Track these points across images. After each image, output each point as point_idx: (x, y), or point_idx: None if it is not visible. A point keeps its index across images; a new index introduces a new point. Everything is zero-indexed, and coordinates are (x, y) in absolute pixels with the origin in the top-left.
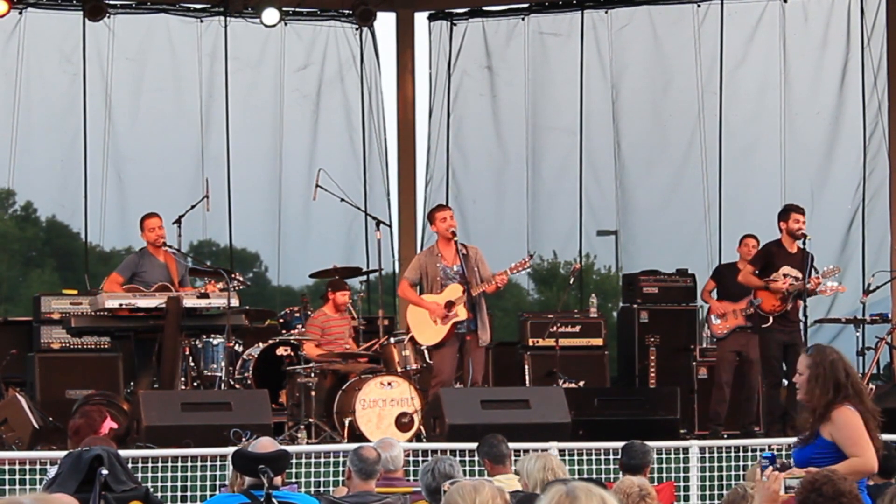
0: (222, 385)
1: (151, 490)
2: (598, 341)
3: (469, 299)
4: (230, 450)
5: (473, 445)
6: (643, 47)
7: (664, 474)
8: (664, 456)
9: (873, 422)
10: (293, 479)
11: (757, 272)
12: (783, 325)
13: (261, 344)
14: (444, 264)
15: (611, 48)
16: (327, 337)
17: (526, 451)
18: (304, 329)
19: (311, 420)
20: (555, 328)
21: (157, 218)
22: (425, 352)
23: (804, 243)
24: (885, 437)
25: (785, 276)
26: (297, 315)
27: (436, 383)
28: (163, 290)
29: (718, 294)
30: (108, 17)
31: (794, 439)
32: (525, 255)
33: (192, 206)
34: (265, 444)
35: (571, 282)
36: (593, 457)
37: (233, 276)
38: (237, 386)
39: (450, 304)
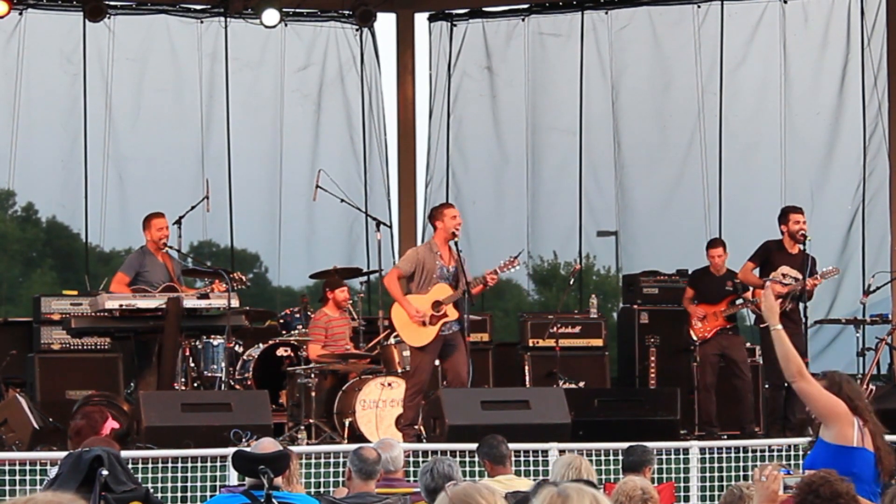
0: (222, 386)
1: (151, 491)
2: (599, 342)
3: (458, 300)
4: (230, 450)
5: (473, 446)
6: (643, 48)
7: (664, 475)
8: (664, 456)
9: (881, 438)
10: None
11: (756, 270)
12: (784, 326)
13: (261, 344)
14: (441, 263)
15: (611, 49)
16: (331, 337)
17: (526, 451)
18: (305, 330)
19: (311, 421)
20: (555, 329)
21: (164, 218)
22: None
23: (804, 243)
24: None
25: (784, 275)
26: (297, 316)
27: (411, 385)
28: (169, 291)
29: (697, 299)
30: (109, 17)
31: (794, 440)
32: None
33: (193, 207)
34: (266, 445)
35: (571, 282)
36: (593, 457)
37: (232, 275)
38: (237, 386)
39: (437, 304)
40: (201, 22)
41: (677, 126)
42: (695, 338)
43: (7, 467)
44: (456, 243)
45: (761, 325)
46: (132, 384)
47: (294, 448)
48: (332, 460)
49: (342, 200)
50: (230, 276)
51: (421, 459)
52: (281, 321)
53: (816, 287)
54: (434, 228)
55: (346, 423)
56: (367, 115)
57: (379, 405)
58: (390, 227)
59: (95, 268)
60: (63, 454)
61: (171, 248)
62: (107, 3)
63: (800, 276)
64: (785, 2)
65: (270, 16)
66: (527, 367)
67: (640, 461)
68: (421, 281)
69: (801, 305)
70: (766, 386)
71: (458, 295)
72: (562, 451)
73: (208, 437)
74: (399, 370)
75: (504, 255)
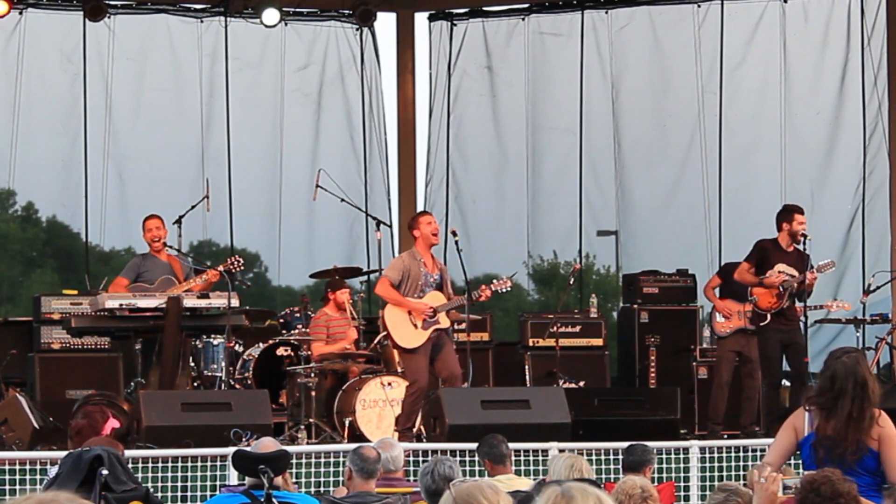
0: (222, 385)
1: (151, 490)
2: (599, 341)
3: (445, 307)
4: (230, 450)
5: (473, 445)
6: (643, 47)
7: (664, 474)
8: (664, 456)
9: (833, 424)
10: (293, 480)
11: (753, 270)
12: (781, 324)
13: (261, 344)
14: (426, 270)
15: (611, 48)
16: (332, 336)
17: (526, 451)
18: (305, 330)
19: (311, 420)
20: (555, 328)
21: (155, 219)
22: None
23: (804, 243)
24: None
25: (780, 272)
26: (298, 315)
27: (415, 390)
28: (167, 284)
29: (724, 293)
30: (109, 17)
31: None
32: (509, 273)
33: (193, 207)
34: (266, 445)
35: (571, 282)
36: (593, 457)
37: (232, 259)
38: (237, 386)
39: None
40: (201, 21)
41: (677, 126)
42: (714, 332)
43: (7, 467)
44: (456, 243)
45: (761, 325)
46: (132, 384)
47: (294, 448)
48: (332, 460)
49: (342, 200)
50: (229, 261)
51: (421, 459)
52: (281, 321)
53: (815, 281)
54: (413, 238)
55: (347, 423)
56: (367, 114)
57: (379, 405)
58: (390, 226)
59: (95, 267)
60: (63, 454)
61: (171, 247)
62: (107, 2)
63: (796, 274)
64: (785, 2)
65: (270, 15)
66: (527, 367)
67: (640, 461)
68: (407, 288)
69: (797, 303)
70: (764, 384)
71: (453, 304)
72: (562, 451)
73: (208, 437)
74: (399, 370)
75: (504, 255)
